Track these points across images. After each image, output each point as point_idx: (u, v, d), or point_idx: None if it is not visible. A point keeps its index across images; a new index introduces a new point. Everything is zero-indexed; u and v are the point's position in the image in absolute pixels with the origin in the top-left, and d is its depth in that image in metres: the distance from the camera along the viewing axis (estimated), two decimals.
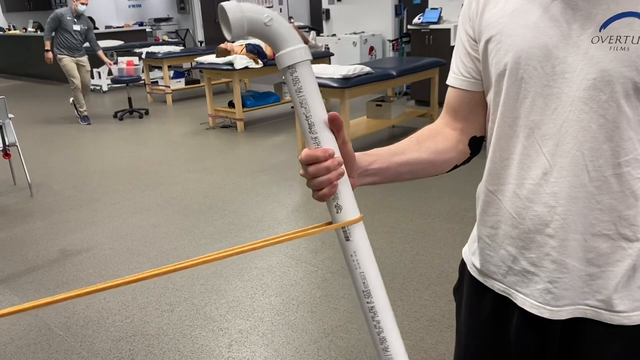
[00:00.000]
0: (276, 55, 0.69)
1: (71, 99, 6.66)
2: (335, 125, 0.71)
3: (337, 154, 0.72)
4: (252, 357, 2.16)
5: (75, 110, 6.69)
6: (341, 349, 2.17)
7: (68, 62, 6.37)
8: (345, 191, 0.74)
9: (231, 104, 6.11)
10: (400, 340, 0.76)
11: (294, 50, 0.68)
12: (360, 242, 0.74)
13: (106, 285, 0.58)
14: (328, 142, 0.72)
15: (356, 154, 0.79)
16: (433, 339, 2.20)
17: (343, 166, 0.72)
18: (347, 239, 0.74)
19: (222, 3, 0.66)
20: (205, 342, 2.27)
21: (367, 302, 0.74)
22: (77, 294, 0.57)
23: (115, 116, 6.84)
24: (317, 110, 0.70)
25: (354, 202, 0.75)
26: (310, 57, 0.70)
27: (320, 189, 0.71)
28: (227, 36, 0.68)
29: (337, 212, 0.74)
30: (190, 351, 2.22)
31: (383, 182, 0.86)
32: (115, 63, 7.10)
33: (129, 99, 7.01)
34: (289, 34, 0.68)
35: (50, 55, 6.53)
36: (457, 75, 0.91)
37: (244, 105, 5.98)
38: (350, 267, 0.75)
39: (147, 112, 6.98)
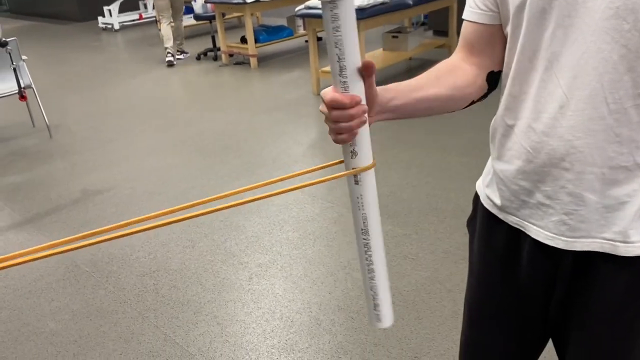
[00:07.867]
0: None
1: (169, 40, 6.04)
2: (368, 72, 0.70)
3: (364, 101, 0.72)
4: (271, 288, 2.24)
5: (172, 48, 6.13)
6: (357, 280, 2.23)
7: None
8: (363, 138, 0.73)
9: (243, 40, 5.99)
10: (386, 276, 0.83)
11: None
12: (369, 187, 0.76)
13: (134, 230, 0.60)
14: (356, 88, 0.70)
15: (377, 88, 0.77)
16: (447, 270, 2.25)
17: (366, 114, 0.72)
18: (357, 182, 0.75)
19: None
20: (226, 275, 2.35)
21: (364, 239, 0.80)
22: (107, 238, 0.59)
23: (198, 58, 6.31)
24: (351, 53, 0.66)
25: (370, 148, 0.74)
26: None
27: (340, 133, 0.72)
28: None
29: (352, 157, 0.74)
30: (212, 284, 2.30)
31: (399, 118, 0.85)
32: None
33: (213, 37, 6.34)
34: None
35: None
36: (474, 8, 0.87)
37: (256, 41, 5.85)
38: (354, 206, 0.78)
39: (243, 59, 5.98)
